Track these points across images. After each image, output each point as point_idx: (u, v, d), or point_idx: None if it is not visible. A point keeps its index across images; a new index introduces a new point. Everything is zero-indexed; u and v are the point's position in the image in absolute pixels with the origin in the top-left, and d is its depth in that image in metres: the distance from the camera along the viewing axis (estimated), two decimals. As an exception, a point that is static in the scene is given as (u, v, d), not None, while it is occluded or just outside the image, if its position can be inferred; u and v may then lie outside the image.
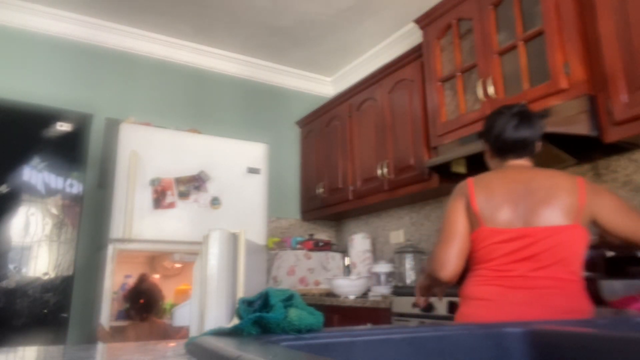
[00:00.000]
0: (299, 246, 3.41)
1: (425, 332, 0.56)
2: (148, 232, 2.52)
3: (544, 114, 1.58)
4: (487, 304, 1.30)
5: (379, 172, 2.96)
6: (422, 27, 2.66)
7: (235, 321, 0.56)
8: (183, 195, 2.64)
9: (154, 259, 2.91)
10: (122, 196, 2.49)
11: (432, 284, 1.55)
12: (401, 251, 2.92)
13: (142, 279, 2.59)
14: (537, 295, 1.26)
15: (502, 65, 2.17)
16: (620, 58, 1.73)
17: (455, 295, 1.79)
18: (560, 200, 1.31)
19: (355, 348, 0.51)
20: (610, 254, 1.77)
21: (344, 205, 3.34)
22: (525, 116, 1.43)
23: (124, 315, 2.54)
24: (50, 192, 3.03)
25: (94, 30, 3.30)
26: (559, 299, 1.25)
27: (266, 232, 2.89)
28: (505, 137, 1.43)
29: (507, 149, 1.44)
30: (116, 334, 2.45)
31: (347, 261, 3.44)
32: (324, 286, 3.28)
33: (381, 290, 2.77)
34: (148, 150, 2.60)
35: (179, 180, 2.65)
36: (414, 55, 2.79)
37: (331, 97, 3.89)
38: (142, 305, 2.47)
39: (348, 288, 2.71)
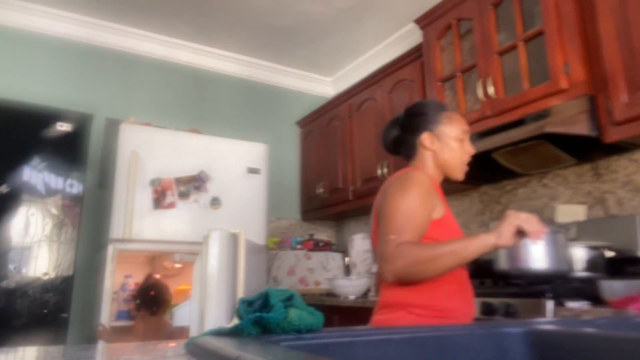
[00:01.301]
0: (299, 246, 3.41)
1: (425, 332, 0.56)
2: (148, 232, 2.52)
3: (417, 110, 1.47)
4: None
5: (379, 172, 2.96)
6: (422, 27, 2.66)
7: (235, 321, 0.56)
8: (183, 195, 2.64)
9: (154, 259, 2.91)
10: (122, 196, 2.49)
11: None
12: (401, 251, 2.92)
13: (149, 277, 2.61)
14: None
15: (502, 65, 2.17)
16: (620, 58, 1.73)
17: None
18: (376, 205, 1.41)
19: (356, 348, 0.51)
20: (610, 253, 1.78)
21: (344, 205, 3.34)
22: (394, 119, 1.52)
23: (134, 311, 2.54)
24: (50, 192, 3.03)
25: (94, 30, 3.30)
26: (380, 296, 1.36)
27: (266, 232, 2.89)
28: (382, 142, 1.55)
29: (390, 152, 1.55)
30: (121, 331, 2.45)
31: (347, 261, 3.44)
32: (324, 286, 3.28)
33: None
34: (148, 151, 2.60)
35: (179, 181, 2.65)
36: (414, 56, 2.79)
37: (331, 97, 3.89)
38: (153, 297, 2.48)
39: (348, 288, 2.71)
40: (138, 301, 2.49)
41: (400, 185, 1.31)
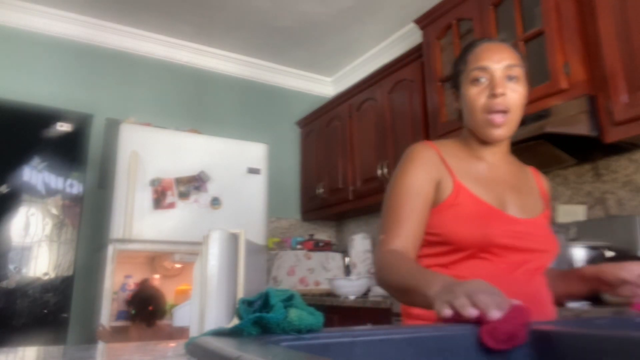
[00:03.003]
0: (299, 246, 3.41)
1: (426, 332, 0.56)
2: (148, 232, 2.52)
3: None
4: None
5: (379, 172, 2.96)
6: (422, 27, 2.66)
7: (236, 321, 0.56)
8: (183, 195, 2.64)
9: (154, 259, 2.91)
10: (122, 196, 2.49)
11: None
12: (401, 251, 2.91)
13: (146, 285, 2.56)
14: None
15: (502, 65, 2.16)
16: (620, 58, 1.73)
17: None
18: None
19: (356, 348, 0.51)
20: (610, 254, 1.78)
21: (344, 206, 3.34)
22: None
23: (129, 318, 2.49)
24: (50, 192, 3.03)
25: (94, 31, 3.30)
26: None
27: (266, 232, 2.89)
28: None
29: None
30: (121, 331, 2.44)
31: (347, 261, 3.44)
32: (324, 286, 3.28)
33: (381, 290, 2.77)
34: (148, 151, 2.60)
35: (179, 181, 2.65)
36: (414, 56, 2.79)
37: (331, 97, 3.89)
38: (151, 312, 2.43)
39: (348, 288, 2.71)
40: (134, 312, 2.42)
41: (397, 168, 1.09)
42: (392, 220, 1.01)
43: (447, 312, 0.66)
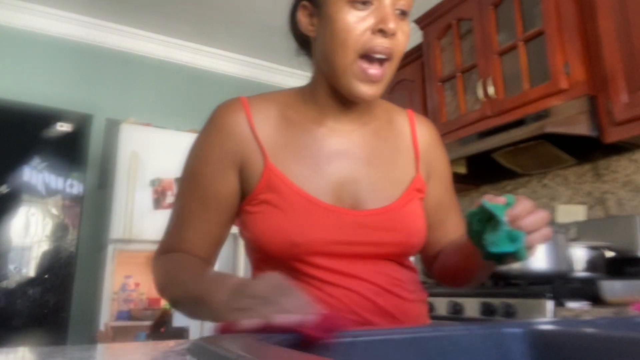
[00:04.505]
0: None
1: (426, 332, 0.56)
2: (148, 232, 2.52)
3: None
4: None
5: (379, 172, 2.96)
6: (422, 27, 2.66)
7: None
8: (183, 195, 2.64)
9: (154, 259, 2.91)
10: (122, 196, 2.49)
11: None
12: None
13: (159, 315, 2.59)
14: None
15: (502, 65, 2.17)
16: (620, 58, 1.73)
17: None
18: None
19: (356, 348, 0.52)
20: (610, 254, 1.78)
21: (344, 206, 3.34)
22: None
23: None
24: (51, 193, 3.03)
25: (94, 31, 3.30)
26: None
27: (266, 232, 2.89)
28: None
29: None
30: (118, 335, 2.45)
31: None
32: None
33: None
34: (148, 151, 2.60)
35: (179, 181, 2.65)
36: (414, 56, 2.79)
37: (331, 97, 3.89)
38: (166, 321, 2.47)
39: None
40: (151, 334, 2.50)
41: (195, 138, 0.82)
42: (176, 218, 0.76)
43: (248, 322, 0.51)
